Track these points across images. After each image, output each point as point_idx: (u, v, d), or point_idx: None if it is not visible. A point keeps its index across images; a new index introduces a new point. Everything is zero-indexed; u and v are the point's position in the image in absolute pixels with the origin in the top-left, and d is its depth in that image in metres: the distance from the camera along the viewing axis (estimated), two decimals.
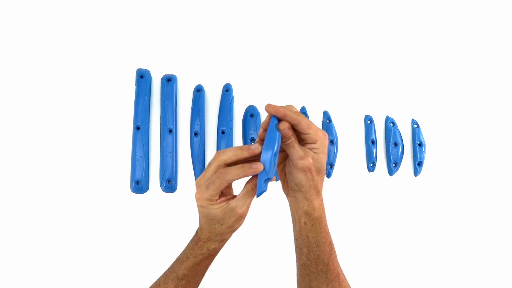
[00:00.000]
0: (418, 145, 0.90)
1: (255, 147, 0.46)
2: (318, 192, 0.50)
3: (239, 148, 0.46)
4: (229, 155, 0.46)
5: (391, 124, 0.90)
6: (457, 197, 0.90)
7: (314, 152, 0.48)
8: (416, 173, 0.90)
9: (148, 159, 0.83)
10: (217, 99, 0.87)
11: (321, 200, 0.50)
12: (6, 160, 0.81)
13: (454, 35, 0.95)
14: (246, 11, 0.90)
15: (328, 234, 0.51)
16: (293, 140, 0.47)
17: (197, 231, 0.53)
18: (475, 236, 0.90)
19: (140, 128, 0.83)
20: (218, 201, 0.48)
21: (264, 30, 0.90)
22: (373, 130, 0.90)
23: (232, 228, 0.50)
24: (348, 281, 0.52)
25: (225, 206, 0.48)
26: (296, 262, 0.53)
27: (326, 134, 0.49)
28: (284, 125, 0.46)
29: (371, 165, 0.89)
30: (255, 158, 0.47)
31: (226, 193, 0.50)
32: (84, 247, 0.80)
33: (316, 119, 0.89)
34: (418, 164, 0.90)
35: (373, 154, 0.89)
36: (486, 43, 0.96)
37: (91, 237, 0.80)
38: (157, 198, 0.82)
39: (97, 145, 0.83)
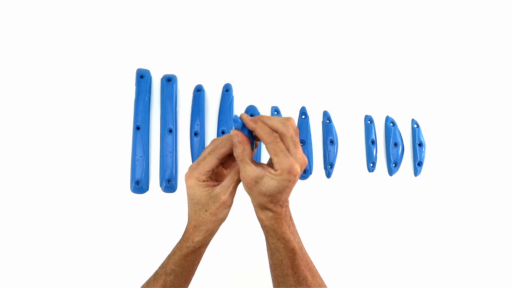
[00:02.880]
0: (418, 145, 0.90)
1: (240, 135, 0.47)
2: (265, 208, 0.48)
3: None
4: (223, 138, 0.48)
5: (391, 124, 0.90)
6: (457, 197, 0.90)
7: (268, 176, 0.45)
8: (416, 173, 0.90)
9: (148, 159, 0.83)
10: (217, 99, 0.87)
11: (274, 213, 0.48)
12: (6, 160, 0.81)
13: (454, 35, 0.95)
14: (246, 11, 0.90)
15: (288, 241, 0.49)
16: (241, 157, 0.45)
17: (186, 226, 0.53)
18: (475, 236, 0.90)
19: (140, 128, 0.83)
20: (205, 183, 0.48)
21: (264, 30, 0.90)
22: (373, 130, 0.90)
23: (216, 217, 0.49)
24: (321, 279, 0.51)
25: (210, 190, 0.48)
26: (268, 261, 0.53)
27: (295, 170, 0.44)
28: (233, 133, 0.45)
29: (371, 165, 0.89)
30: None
31: (216, 179, 0.50)
32: (84, 247, 0.80)
33: (316, 119, 0.89)
34: (418, 164, 0.90)
35: (373, 154, 0.89)
36: (486, 43, 0.96)
37: (91, 237, 0.80)
38: (157, 198, 0.82)
39: (97, 145, 0.83)
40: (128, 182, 0.82)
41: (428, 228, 0.89)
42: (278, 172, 0.44)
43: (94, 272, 0.80)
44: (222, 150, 0.47)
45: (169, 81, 0.85)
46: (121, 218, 0.81)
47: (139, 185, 0.81)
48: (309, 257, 0.52)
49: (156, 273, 0.52)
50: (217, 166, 0.49)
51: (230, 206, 0.50)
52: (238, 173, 0.48)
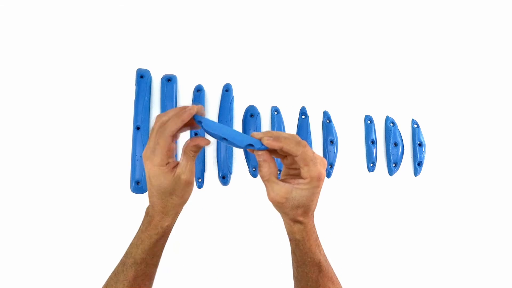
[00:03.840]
0: (418, 145, 0.90)
1: (191, 108, 0.46)
2: (297, 221, 0.48)
3: (179, 108, 0.46)
4: (169, 114, 0.46)
5: (391, 124, 0.90)
6: (457, 197, 0.90)
7: (298, 188, 0.45)
8: (416, 173, 0.90)
9: None
10: (217, 99, 0.87)
11: (305, 225, 0.48)
12: (6, 160, 0.81)
13: (454, 35, 0.95)
14: (246, 11, 0.90)
15: (315, 254, 0.49)
16: (268, 177, 0.45)
17: (147, 212, 0.52)
18: (475, 236, 0.90)
19: (140, 128, 0.83)
20: (167, 167, 0.47)
21: (264, 30, 0.90)
22: (373, 130, 0.90)
23: (183, 199, 0.50)
24: None
25: (173, 174, 0.47)
26: (292, 271, 0.53)
27: (323, 175, 0.45)
28: (259, 154, 0.45)
29: (371, 165, 0.89)
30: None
31: (172, 162, 0.49)
32: (84, 247, 0.80)
33: (316, 119, 0.89)
34: (418, 164, 0.90)
35: (373, 154, 0.89)
36: (486, 43, 0.96)
37: (91, 237, 0.80)
38: None
39: (97, 145, 0.83)
40: (128, 182, 0.82)
41: (428, 228, 0.89)
42: (308, 180, 0.44)
43: (94, 272, 0.80)
44: (173, 128, 0.45)
45: (169, 81, 0.85)
46: (121, 218, 0.81)
47: (139, 185, 0.81)
48: (332, 269, 0.52)
49: (124, 263, 0.50)
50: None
51: (192, 183, 0.50)
52: (193, 151, 0.47)
